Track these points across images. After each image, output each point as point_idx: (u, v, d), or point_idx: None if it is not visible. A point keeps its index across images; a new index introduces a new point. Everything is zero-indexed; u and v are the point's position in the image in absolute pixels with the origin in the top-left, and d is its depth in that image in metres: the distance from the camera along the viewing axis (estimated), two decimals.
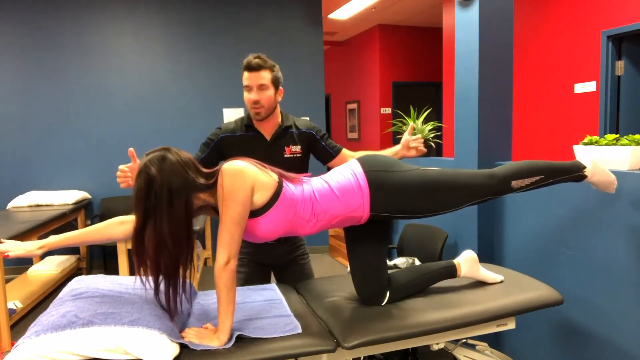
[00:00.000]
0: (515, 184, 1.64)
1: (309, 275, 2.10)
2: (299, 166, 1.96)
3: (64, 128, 4.60)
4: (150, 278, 1.38)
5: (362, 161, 1.59)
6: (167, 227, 1.31)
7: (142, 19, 4.71)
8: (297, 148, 1.95)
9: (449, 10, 5.57)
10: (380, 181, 1.53)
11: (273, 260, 2.04)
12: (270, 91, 1.88)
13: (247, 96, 1.89)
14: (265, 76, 1.86)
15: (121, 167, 1.67)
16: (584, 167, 1.73)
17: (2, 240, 1.46)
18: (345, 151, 2.04)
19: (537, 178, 1.66)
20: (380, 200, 1.52)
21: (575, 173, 1.73)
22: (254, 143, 1.93)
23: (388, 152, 2.00)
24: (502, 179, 1.63)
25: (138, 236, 1.34)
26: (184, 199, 1.33)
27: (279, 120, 1.97)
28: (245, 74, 1.88)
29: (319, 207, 1.49)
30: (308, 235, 1.70)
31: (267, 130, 1.94)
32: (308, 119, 2.04)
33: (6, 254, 1.41)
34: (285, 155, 1.93)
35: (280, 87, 1.95)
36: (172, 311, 1.40)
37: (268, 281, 2.10)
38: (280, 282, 2.08)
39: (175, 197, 1.32)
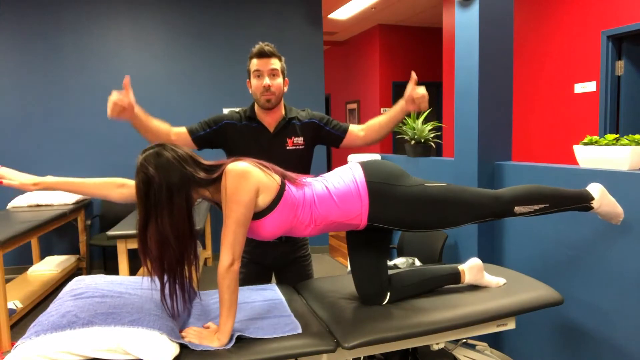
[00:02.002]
0: (518, 209, 1.62)
1: (310, 277, 2.09)
2: (302, 158, 1.94)
3: (63, 128, 4.60)
4: (157, 279, 1.38)
5: (366, 168, 1.56)
6: (168, 224, 1.31)
7: (142, 20, 4.71)
8: (299, 140, 1.93)
9: (449, 10, 5.57)
10: (381, 193, 1.51)
11: (274, 260, 2.02)
12: (281, 79, 1.88)
13: (257, 82, 1.86)
14: (275, 63, 1.86)
15: (114, 97, 1.65)
16: (592, 199, 1.71)
17: (0, 166, 1.47)
18: (352, 128, 1.97)
19: (542, 206, 1.65)
20: (379, 212, 1.52)
21: (583, 204, 1.71)
22: (257, 134, 1.92)
23: (392, 111, 1.91)
24: (506, 202, 1.61)
25: (142, 235, 1.34)
26: (184, 194, 1.33)
27: (283, 112, 1.94)
28: (255, 61, 1.85)
29: (317, 212, 1.49)
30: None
31: (270, 122, 1.92)
32: (308, 109, 2.02)
33: (0, 180, 1.43)
34: (288, 147, 1.91)
35: (286, 78, 1.95)
36: (178, 311, 1.40)
37: (268, 282, 2.09)
38: (280, 283, 2.07)
39: (175, 193, 1.31)
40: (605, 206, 1.73)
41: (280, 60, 1.89)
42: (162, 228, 1.30)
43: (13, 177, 1.45)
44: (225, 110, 4.86)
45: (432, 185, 1.57)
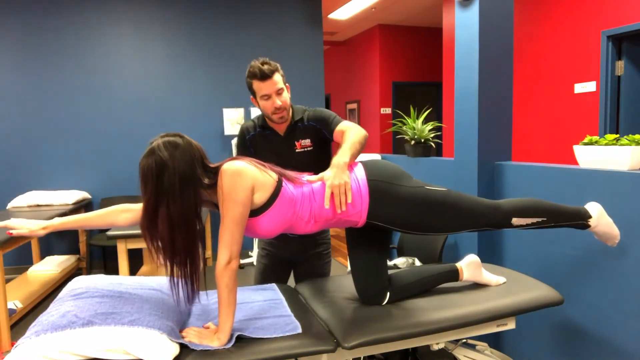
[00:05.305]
0: (515, 221, 1.63)
1: (325, 274, 2.10)
2: (312, 160, 1.92)
3: (64, 128, 4.60)
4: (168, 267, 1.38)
5: (367, 168, 1.58)
6: (179, 212, 1.32)
7: (142, 19, 4.71)
8: (306, 142, 1.93)
9: (449, 10, 5.57)
10: (381, 192, 1.52)
11: (292, 254, 2.05)
12: (286, 91, 1.88)
13: (267, 103, 1.84)
14: (279, 79, 1.84)
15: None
16: (590, 217, 1.71)
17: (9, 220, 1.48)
18: (337, 128, 1.86)
19: (539, 220, 1.65)
20: (379, 210, 1.53)
21: (580, 221, 1.71)
22: (270, 140, 1.96)
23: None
24: (504, 213, 1.62)
25: (149, 215, 1.34)
26: (192, 189, 1.35)
27: (291, 115, 1.95)
28: (258, 83, 1.82)
29: (316, 208, 1.50)
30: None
31: (280, 127, 1.94)
32: (310, 109, 1.98)
33: (9, 232, 1.44)
34: (297, 150, 1.92)
35: (287, 84, 1.93)
36: (195, 290, 1.40)
37: (287, 275, 2.12)
38: (297, 276, 2.10)
39: (185, 186, 1.33)
40: (602, 226, 1.73)
41: (279, 72, 1.85)
42: (174, 214, 1.32)
43: (21, 225, 1.46)
44: (225, 111, 4.88)
45: (432, 189, 1.57)
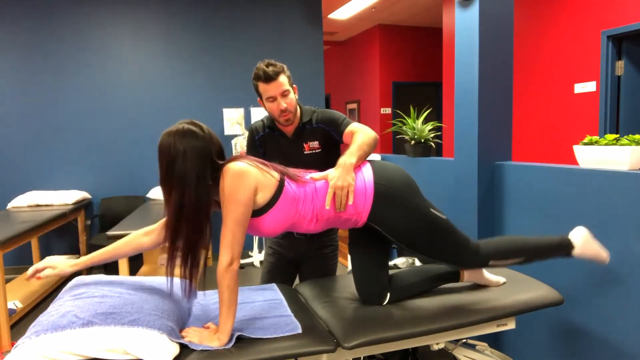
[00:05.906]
0: (492, 262, 1.64)
1: (331, 275, 2.09)
2: (320, 162, 1.88)
3: (63, 128, 4.60)
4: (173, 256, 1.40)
5: (376, 170, 1.57)
6: (190, 202, 1.34)
7: (143, 19, 4.71)
8: (315, 144, 1.92)
9: (449, 10, 5.57)
10: (386, 197, 1.52)
11: (297, 254, 2.05)
12: (292, 94, 1.86)
13: (273, 105, 1.83)
14: (284, 81, 1.82)
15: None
16: (572, 248, 1.72)
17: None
18: (346, 130, 1.86)
19: (517, 260, 1.66)
20: (379, 215, 1.53)
21: (562, 253, 1.73)
22: (278, 141, 1.95)
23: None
24: (483, 257, 1.62)
25: (164, 184, 1.38)
26: (203, 186, 1.37)
27: (298, 117, 1.94)
28: (263, 85, 1.80)
29: (319, 205, 1.50)
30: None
31: (288, 128, 1.93)
32: (319, 110, 1.96)
33: (38, 276, 1.50)
34: (305, 152, 1.92)
35: (294, 86, 1.91)
36: (190, 287, 1.41)
37: (294, 275, 2.12)
38: (302, 277, 2.10)
39: (197, 179, 1.36)
40: (588, 252, 1.75)
41: (285, 73, 1.83)
42: (184, 202, 1.34)
43: (48, 272, 1.51)
44: (225, 111, 4.88)
45: (434, 212, 1.56)
